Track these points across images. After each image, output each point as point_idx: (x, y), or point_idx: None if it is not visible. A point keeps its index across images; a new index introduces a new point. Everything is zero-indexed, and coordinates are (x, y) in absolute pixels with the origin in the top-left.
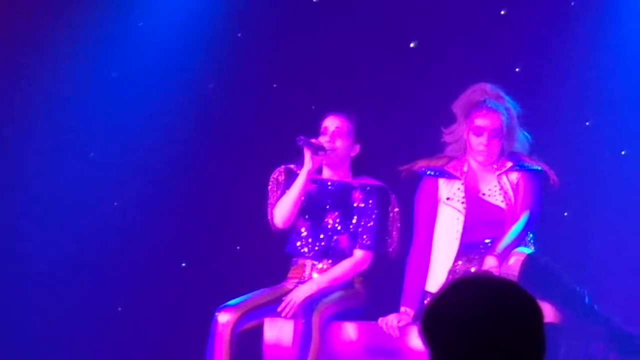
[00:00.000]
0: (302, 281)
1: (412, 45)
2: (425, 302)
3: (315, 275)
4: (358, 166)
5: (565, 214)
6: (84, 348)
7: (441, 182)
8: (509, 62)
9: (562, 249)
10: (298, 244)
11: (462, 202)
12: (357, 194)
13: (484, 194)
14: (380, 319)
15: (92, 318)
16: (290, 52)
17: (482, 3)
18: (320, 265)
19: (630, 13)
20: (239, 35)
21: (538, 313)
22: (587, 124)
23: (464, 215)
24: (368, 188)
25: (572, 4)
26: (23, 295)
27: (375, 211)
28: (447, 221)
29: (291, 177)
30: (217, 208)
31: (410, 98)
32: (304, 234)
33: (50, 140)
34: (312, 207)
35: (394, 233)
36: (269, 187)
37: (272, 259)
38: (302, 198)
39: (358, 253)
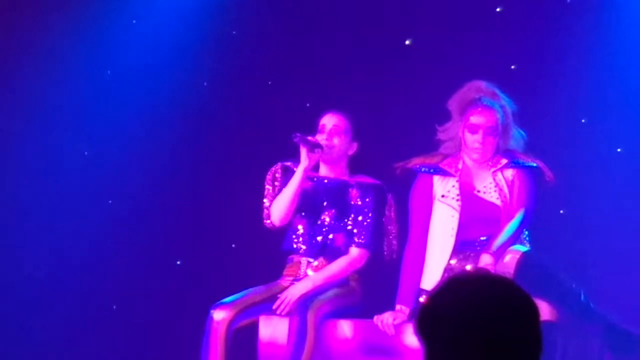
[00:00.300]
0: (297, 279)
1: (407, 42)
2: (421, 299)
3: (310, 272)
4: (355, 164)
5: (561, 211)
6: (79, 346)
7: (436, 179)
8: (505, 60)
9: (558, 246)
10: (294, 241)
11: (457, 200)
12: (353, 192)
13: (479, 191)
14: (375, 317)
15: (87, 316)
16: (285, 49)
17: (478, 0)
18: (315, 263)
19: (625, 10)
20: (234, 32)
21: (534, 311)
22: (583, 121)
23: (459, 212)
24: (365, 186)
25: (568, 1)
26: (16, 293)
27: (372, 209)
28: (442, 219)
29: (288, 174)
30: (213, 206)
31: (405, 96)
32: (301, 231)
33: (45, 139)
34: (308, 204)
35: (391, 233)
36: (266, 184)
37: (268, 257)
38: (299, 196)
39: (354, 251)
